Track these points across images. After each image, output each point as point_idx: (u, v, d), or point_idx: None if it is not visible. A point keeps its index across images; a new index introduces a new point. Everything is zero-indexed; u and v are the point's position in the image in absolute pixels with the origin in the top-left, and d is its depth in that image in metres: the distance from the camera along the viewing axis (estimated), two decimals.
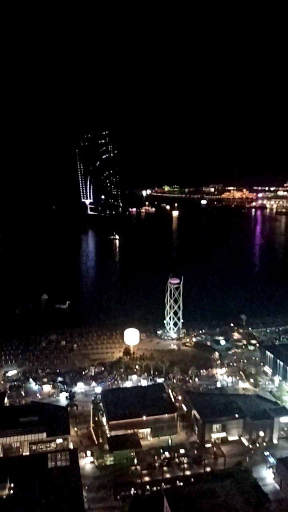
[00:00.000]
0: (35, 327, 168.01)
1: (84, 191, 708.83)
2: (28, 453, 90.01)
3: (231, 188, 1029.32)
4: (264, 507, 73.97)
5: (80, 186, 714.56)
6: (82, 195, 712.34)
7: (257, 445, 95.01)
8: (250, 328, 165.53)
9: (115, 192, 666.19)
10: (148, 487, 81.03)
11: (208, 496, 72.37)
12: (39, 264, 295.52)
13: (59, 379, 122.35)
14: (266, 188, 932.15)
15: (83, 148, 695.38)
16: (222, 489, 75.04)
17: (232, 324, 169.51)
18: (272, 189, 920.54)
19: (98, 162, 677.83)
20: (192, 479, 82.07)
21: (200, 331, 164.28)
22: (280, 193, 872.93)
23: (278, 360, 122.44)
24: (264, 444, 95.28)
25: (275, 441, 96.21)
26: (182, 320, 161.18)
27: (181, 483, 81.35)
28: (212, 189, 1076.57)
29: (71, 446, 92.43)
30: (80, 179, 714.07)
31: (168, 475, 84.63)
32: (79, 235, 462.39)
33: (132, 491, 79.80)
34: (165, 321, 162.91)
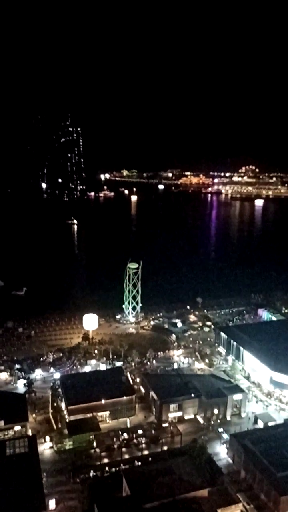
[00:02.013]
0: None
1: (41, 174, 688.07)
2: None
3: (188, 173, 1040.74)
4: (218, 480, 78.31)
5: (36, 169, 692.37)
6: (38, 179, 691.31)
7: (212, 422, 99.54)
8: (205, 310, 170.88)
9: (76, 176, 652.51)
10: (107, 468, 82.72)
11: (165, 473, 75.23)
12: None
13: (17, 366, 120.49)
14: (222, 174, 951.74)
15: (40, 129, 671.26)
16: (178, 466, 78.24)
17: (188, 307, 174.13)
18: (227, 174, 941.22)
19: (57, 145, 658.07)
20: (150, 458, 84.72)
21: (158, 314, 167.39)
22: (235, 178, 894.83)
23: (232, 341, 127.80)
24: (218, 421, 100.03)
25: (228, 418, 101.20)
26: (140, 304, 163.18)
27: (139, 463, 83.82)
28: (170, 174, 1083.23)
29: (29, 432, 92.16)
30: (36, 162, 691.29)
31: (126, 456, 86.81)
32: (35, 219, 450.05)
33: (92, 473, 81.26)
34: (123, 306, 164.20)
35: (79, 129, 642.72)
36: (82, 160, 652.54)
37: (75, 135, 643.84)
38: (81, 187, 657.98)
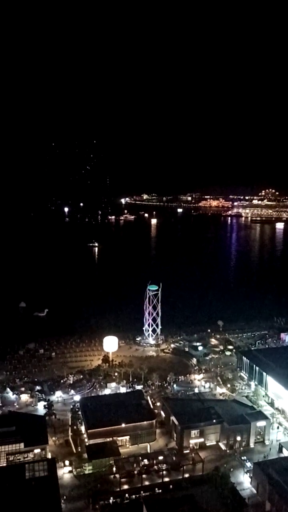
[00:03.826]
0: (12, 335, 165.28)
1: (63, 198, 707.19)
2: (5, 464, 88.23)
3: (208, 196, 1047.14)
4: (241, 511, 75.26)
5: (59, 193, 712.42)
6: (58, 202, 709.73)
7: (234, 449, 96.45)
8: (226, 334, 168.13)
9: (98, 200, 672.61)
10: (127, 495, 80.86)
11: (187, 502, 73.07)
12: (17, 272, 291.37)
13: (37, 388, 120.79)
14: (241, 197, 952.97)
15: (64, 156, 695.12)
16: (200, 494, 75.95)
17: (209, 330, 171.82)
18: (247, 197, 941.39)
19: (82, 171, 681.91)
20: (171, 486, 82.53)
21: (178, 337, 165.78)
22: (255, 201, 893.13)
23: (254, 365, 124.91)
24: (241, 448, 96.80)
25: (251, 445, 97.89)
26: (160, 327, 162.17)
27: (160, 490, 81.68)
28: (189, 198, 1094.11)
29: (49, 455, 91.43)
30: (59, 187, 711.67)
31: (147, 483, 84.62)
32: (57, 242, 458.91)
33: (111, 500, 79.54)
34: (144, 328, 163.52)
35: (103, 155, 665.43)
36: (108, 184, 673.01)
37: (100, 161, 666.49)
38: (106, 210, 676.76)
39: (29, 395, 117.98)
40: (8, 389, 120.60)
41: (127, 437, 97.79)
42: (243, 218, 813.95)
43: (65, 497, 79.49)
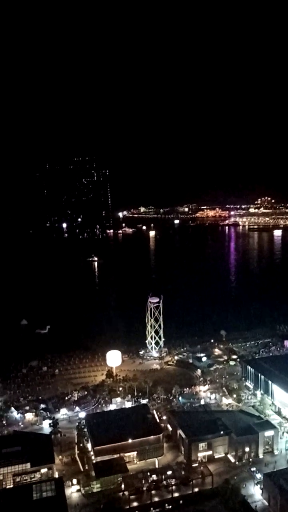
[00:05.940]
0: (15, 353, 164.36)
1: (61, 214, 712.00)
2: (11, 486, 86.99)
3: (205, 207, 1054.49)
4: None
5: (57, 209, 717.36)
6: (56, 218, 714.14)
7: (243, 461, 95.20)
8: (230, 344, 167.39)
9: (96, 214, 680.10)
10: None
11: None
12: (18, 289, 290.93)
13: (42, 406, 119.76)
14: (238, 206, 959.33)
15: (62, 172, 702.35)
16: (211, 509, 74.94)
17: (212, 340, 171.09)
18: (243, 206, 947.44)
19: (79, 185, 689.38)
20: (181, 501, 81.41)
21: (182, 349, 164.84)
22: (252, 210, 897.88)
23: (259, 374, 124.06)
24: (250, 459, 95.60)
25: (260, 456, 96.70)
26: (163, 339, 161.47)
27: (170, 506, 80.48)
28: (186, 209, 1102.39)
29: (56, 475, 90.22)
30: (57, 203, 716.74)
31: (156, 499, 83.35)
32: (56, 258, 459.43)
33: None
34: (146, 341, 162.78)
35: (103, 171, 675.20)
36: (107, 198, 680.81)
37: (100, 177, 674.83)
38: (105, 224, 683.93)
39: (33, 413, 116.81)
40: (12, 409, 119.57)
41: (135, 453, 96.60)
42: (241, 227, 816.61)
43: None
